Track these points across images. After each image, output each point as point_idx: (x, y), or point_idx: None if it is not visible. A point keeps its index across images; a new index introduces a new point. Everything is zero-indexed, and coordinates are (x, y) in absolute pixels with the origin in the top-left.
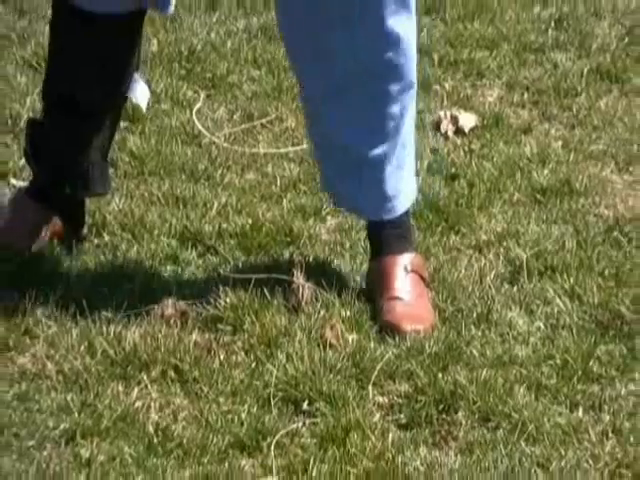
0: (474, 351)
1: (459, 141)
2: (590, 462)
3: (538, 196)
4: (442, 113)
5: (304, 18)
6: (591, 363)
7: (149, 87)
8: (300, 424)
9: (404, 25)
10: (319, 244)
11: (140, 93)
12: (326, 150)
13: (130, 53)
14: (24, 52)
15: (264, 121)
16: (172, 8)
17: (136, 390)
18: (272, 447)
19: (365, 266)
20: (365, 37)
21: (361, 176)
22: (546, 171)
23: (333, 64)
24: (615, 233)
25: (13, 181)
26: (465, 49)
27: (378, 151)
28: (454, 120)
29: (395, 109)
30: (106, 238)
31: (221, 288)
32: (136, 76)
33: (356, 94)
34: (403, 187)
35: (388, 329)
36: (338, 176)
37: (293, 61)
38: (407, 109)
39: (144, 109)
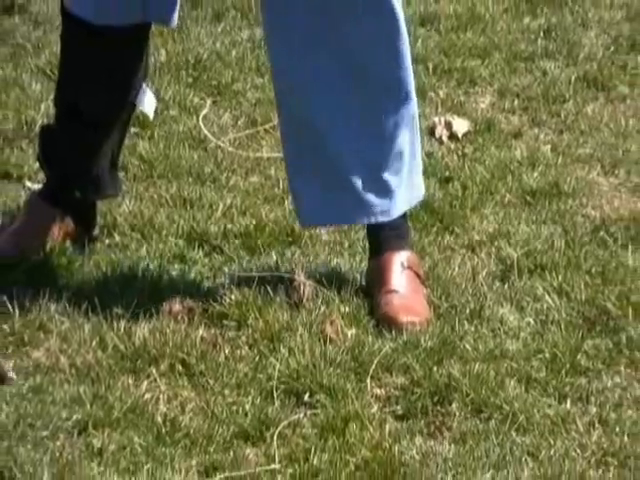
0: (467, 345)
1: (453, 145)
2: (578, 451)
3: (528, 198)
4: (437, 119)
5: (303, 20)
6: (579, 357)
7: (157, 96)
8: (301, 415)
9: (400, 39)
10: (319, 244)
11: (147, 103)
12: (321, 162)
13: (136, 64)
14: (38, 61)
15: (267, 127)
16: (176, 20)
17: (145, 383)
18: (275, 437)
19: (363, 264)
20: (362, 42)
21: (356, 183)
22: (536, 174)
23: (332, 74)
24: (601, 233)
25: (28, 184)
26: (458, 58)
27: (374, 159)
28: (448, 125)
29: (391, 119)
30: (117, 238)
31: (226, 286)
32: (144, 86)
33: (353, 101)
34: (402, 192)
35: (385, 322)
36: (336, 189)
37: (285, 67)
38: (404, 119)
39: (151, 118)
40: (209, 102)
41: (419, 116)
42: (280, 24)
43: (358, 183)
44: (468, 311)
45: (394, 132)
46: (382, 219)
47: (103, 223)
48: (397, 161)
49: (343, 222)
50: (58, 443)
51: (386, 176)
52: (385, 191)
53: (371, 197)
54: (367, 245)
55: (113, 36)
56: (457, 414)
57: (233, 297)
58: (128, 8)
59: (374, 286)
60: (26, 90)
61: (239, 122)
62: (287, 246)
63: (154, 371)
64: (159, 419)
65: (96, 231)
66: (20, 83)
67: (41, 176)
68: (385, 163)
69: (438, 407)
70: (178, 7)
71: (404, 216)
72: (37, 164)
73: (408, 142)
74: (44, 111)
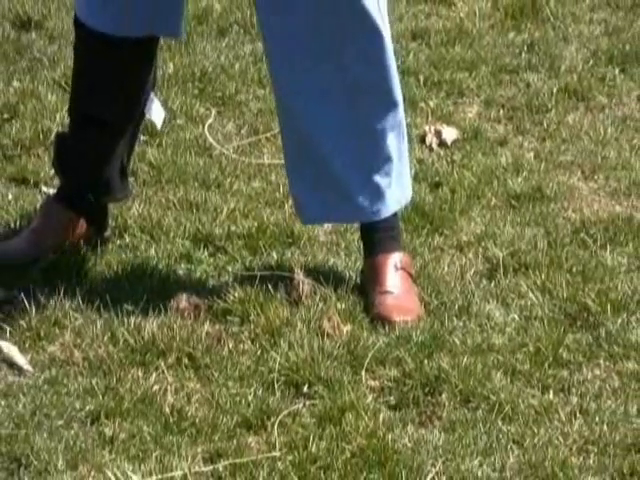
0: (456, 340)
1: (442, 152)
2: (560, 439)
3: (513, 201)
4: (427, 128)
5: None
6: (560, 350)
7: (165, 107)
8: (301, 405)
9: (385, 53)
10: (317, 244)
11: (155, 112)
12: (318, 169)
13: (146, 74)
14: (54, 74)
15: (268, 135)
16: (183, 32)
17: (154, 375)
18: (275, 426)
19: (358, 264)
20: (354, 58)
21: (351, 187)
22: (520, 179)
23: (328, 88)
24: (582, 234)
25: (44, 189)
26: (447, 71)
27: (366, 164)
28: (438, 134)
29: (380, 127)
30: (127, 239)
31: (230, 284)
32: (152, 96)
33: (347, 113)
34: (392, 193)
35: (379, 320)
36: (333, 193)
37: (285, 67)
38: (392, 126)
39: (158, 127)
40: (214, 112)
41: (410, 125)
42: (279, 42)
43: (352, 187)
44: (457, 307)
45: (384, 138)
46: (375, 218)
47: (114, 225)
48: (387, 164)
49: (340, 221)
50: (72, 432)
51: (377, 179)
52: (377, 193)
53: (364, 199)
54: (362, 246)
55: (125, 47)
56: (446, 404)
57: (236, 294)
58: (140, 21)
59: (369, 285)
60: (42, 101)
61: (242, 131)
62: (287, 247)
63: (162, 364)
64: (167, 409)
65: (108, 232)
66: (37, 95)
67: (56, 182)
68: (376, 167)
69: (429, 398)
70: (183, 20)
71: (396, 218)
72: (52, 170)
73: (396, 146)
74: (59, 121)
